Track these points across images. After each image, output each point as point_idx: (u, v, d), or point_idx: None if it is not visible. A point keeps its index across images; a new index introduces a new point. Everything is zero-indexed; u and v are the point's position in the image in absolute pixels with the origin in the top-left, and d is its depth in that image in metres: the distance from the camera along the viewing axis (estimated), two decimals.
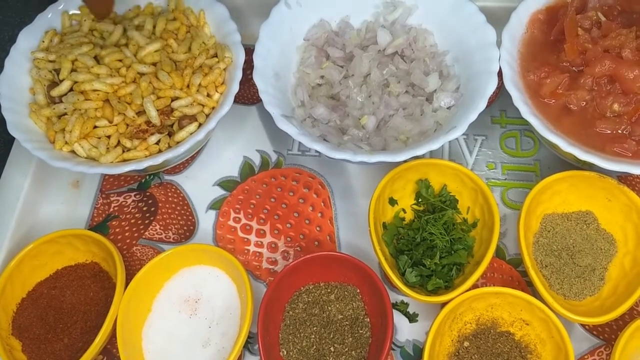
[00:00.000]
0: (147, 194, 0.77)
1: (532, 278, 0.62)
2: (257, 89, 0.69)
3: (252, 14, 0.84)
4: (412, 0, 0.78)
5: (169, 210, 0.76)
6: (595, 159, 0.62)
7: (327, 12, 0.79)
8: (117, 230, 0.75)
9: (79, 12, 0.78)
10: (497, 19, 0.71)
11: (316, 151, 0.78)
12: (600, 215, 0.68)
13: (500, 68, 0.67)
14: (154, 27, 0.76)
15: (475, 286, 0.63)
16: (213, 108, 0.72)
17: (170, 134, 0.71)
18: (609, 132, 0.64)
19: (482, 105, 0.66)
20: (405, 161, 0.66)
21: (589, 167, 0.65)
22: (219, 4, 0.77)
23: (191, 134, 0.70)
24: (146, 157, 0.69)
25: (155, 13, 0.79)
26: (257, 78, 0.70)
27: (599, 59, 0.65)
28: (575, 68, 0.67)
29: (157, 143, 0.70)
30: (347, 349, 0.63)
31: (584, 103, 0.66)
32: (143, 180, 0.78)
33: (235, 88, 0.70)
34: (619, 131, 0.64)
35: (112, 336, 0.64)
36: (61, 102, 0.70)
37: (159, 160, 0.67)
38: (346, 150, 0.66)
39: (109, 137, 0.70)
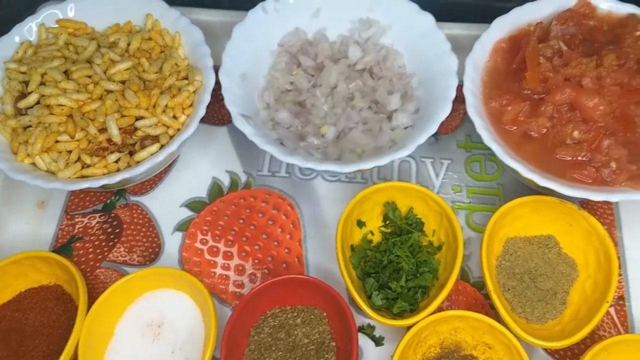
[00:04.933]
0: (112, 215, 0.76)
1: (494, 301, 0.63)
2: (228, 110, 0.69)
3: (225, 35, 0.84)
4: (386, 20, 0.80)
5: (134, 232, 0.75)
6: (555, 185, 0.63)
7: (304, 22, 0.81)
8: (81, 252, 0.74)
9: (56, 25, 0.78)
10: (462, 47, 0.73)
11: (286, 172, 0.78)
12: (562, 240, 0.69)
13: (456, 95, 0.69)
14: (129, 45, 0.76)
15: (440, 309, 0.64)
16: (178, 130, 0.72)
17: (131, 153, 0.71)
18: (569, 158, 0.66)
19: (433, 129, 0.68)
20: (374, 183, 0.67)
21: (550, 192, 0.67)
22: (195, 28, 0.78)
23: (152, 154, 0.69)
24: (104, 174, 0.69)
25: (133, 31, 0.80)
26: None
27: (559, 87, 0.66)
28: (537, 96, 0.69)
29: (117, 161, 0.70)
30: None
31: (545, 130, 0.67)
32: (108, 201, 0.77)
33: (201, 112, 0.71)
34: (579, 158, 0.66)
35: None
36: (27, 114, 0.70)
37: (115, 179, 0.67)
38: (296, 156, 0.67)
39: (70, 152, 0.70)
